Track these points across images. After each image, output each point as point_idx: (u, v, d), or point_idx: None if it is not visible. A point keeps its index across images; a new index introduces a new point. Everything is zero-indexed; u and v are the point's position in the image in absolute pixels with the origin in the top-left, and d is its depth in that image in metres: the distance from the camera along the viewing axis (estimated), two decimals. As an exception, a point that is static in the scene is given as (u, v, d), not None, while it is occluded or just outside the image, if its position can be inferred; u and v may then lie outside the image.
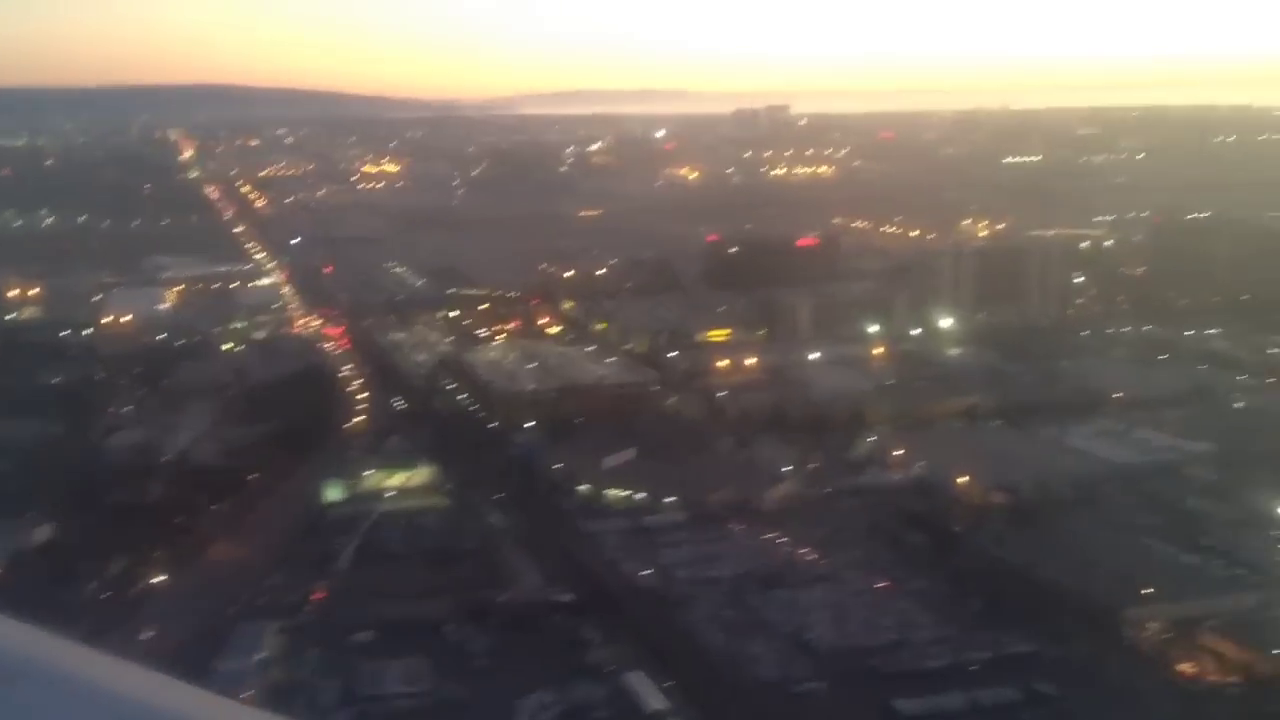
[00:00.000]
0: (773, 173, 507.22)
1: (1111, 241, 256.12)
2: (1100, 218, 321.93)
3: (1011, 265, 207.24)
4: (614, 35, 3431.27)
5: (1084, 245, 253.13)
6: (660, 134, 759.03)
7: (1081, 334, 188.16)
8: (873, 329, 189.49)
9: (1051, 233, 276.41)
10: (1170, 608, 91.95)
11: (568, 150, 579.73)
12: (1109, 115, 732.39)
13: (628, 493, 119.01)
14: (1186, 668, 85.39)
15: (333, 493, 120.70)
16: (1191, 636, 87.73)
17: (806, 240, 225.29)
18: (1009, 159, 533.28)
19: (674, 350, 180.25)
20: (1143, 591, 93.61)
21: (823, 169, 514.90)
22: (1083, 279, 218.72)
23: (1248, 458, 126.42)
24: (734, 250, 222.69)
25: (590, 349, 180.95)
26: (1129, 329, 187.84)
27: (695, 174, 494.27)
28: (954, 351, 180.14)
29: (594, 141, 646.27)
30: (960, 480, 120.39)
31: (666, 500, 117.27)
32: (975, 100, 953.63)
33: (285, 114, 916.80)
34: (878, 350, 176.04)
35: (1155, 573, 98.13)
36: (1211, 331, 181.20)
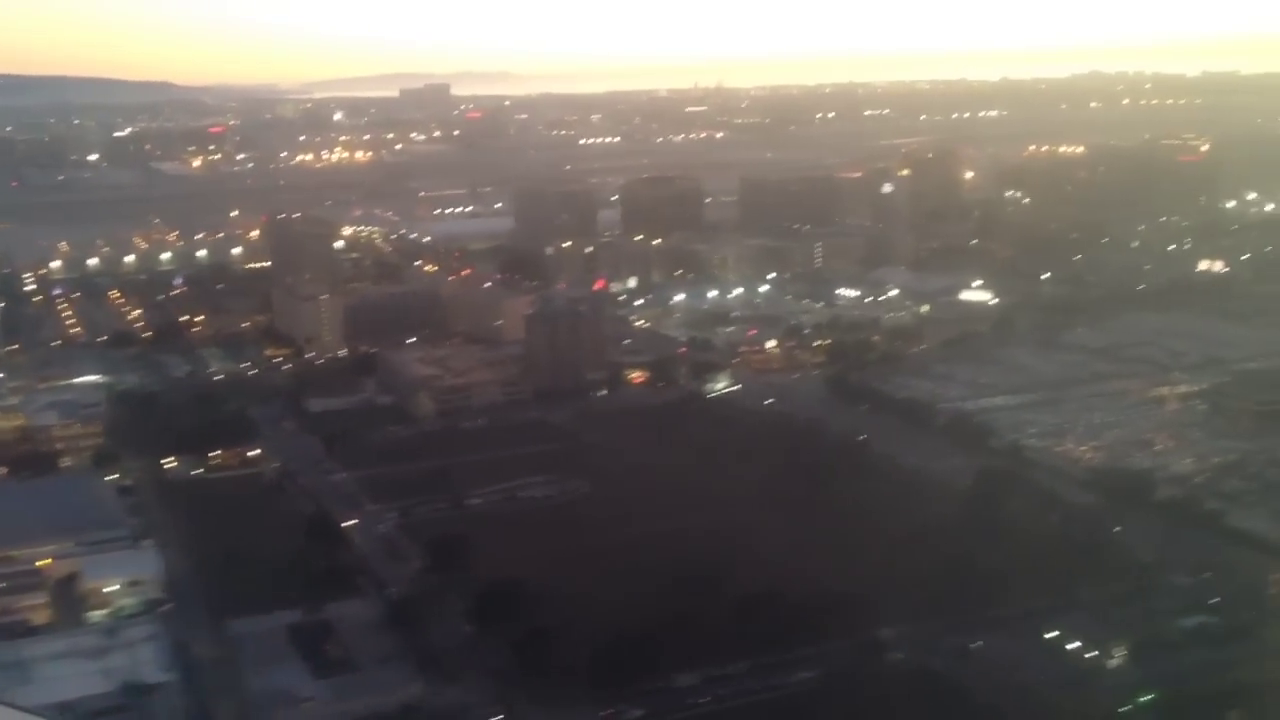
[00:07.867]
0: (299, 159, 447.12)
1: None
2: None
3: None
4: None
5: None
6: (338, 116, 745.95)
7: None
8: None
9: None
10: None
11: (120, 134, 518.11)
12: (729, 95, 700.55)
13: None
14: None
15: None
16: None
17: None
18: (587, 140, 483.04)
19: None
20: None
21: (365, 154, 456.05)
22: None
23: None
24: None
25: None
26: None
27: (200, 161, 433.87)
28: None
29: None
30: None
31: None
32: (709, 78, 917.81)
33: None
34: None
35: None
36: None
